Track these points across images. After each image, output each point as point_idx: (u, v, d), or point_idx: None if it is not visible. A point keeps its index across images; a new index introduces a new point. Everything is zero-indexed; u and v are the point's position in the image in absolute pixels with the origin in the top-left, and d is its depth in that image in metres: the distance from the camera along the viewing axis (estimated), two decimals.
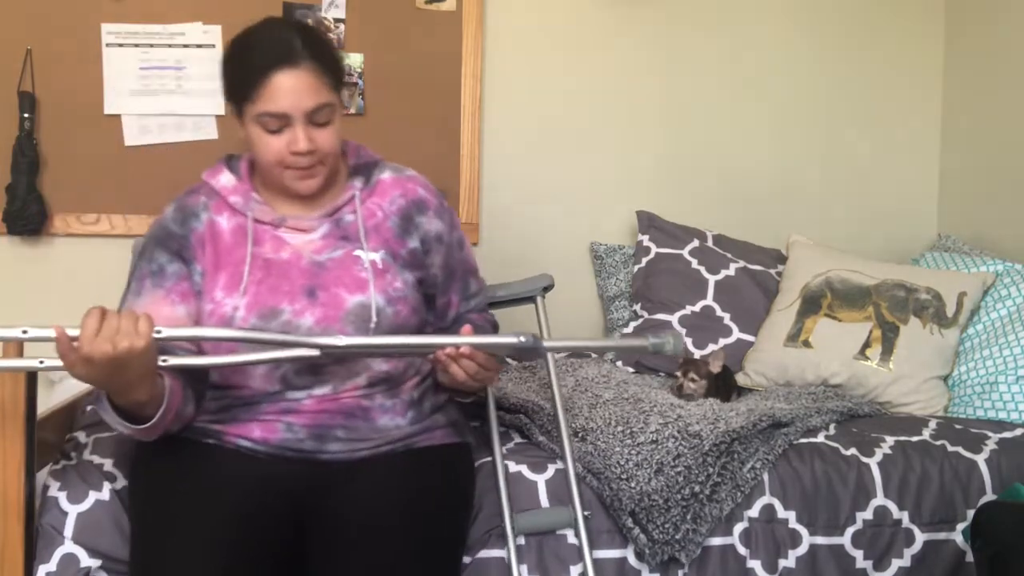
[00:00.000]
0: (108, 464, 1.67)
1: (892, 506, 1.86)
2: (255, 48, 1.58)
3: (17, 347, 1.51)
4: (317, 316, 1.57)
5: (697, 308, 2.54)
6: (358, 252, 1.63)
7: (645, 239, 2.68)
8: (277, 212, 1.65)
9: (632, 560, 1.75)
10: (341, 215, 1.66)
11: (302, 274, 1.60)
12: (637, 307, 2.60)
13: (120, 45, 2.54)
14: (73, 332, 1.34)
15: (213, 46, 2.57)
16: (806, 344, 2.35)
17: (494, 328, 1.82)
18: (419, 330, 1.67)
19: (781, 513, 1.82)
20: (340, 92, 1.63)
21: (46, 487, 1.62)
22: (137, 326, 1.35)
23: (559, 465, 1.79)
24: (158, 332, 1.38)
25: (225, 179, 1.66)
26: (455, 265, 1.75)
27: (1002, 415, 2.14)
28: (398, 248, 1.67)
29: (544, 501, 1.75)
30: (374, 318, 1.58)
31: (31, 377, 1.54)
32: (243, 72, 1.57)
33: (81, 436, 1.78)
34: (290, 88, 1.53)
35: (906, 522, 1.85)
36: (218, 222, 1.63)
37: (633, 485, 1.73)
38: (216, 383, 1.61)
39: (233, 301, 1.57)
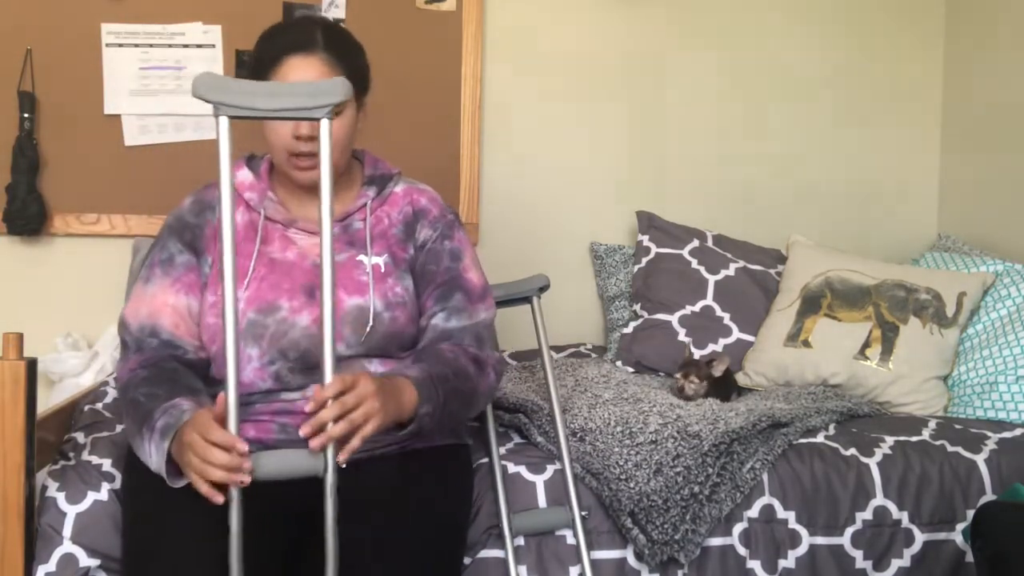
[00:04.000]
0: (106, 464, 1.67)
1: (892, 506, 1.85)
2: (276, 36, 1.64)
3: (16, 343, 1.51)
4: (314, 315, 1.57)
5: (697, 308, 2.54)
6: (361, 257, 1.64)
7: (645, 239, 2.68)
8: (290, 213, 1.67)
9: (631, 561, 1.75)
10: (351, 221, 1.68)
11: (304, 274, 1.61)
12: (637, 307, 2.60)
13: (120, 45, 2.54)
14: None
15: (213, 46, 2.57)
16: (806, 344, 2.35)
17: (474, 362, 1.62)
18: (416, 339, 1.66)
19: (781, 513, 1.82)
20: (357, 94, 1.63)
21: (44, 487, 1.62)
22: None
23: (558, 466, 1.79)
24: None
25: (243, 175, 1.68)
26: (434, 270, 1.68)
27: (1002, 415, 2.14)
28: (401, 253, 1.68)
29: (543, 502, 1.75)
30: (371, 322, 1.59)
31: (31, 377, 1.54)
32: (260, 57, 1.62)
33: (79, 436, 1.78)
34: (300, 74, 1.57)
35: (906, 522, 1.85)
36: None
37: (632, 485, 1.73)
38: (212, 378, 1.62)
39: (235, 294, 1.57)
